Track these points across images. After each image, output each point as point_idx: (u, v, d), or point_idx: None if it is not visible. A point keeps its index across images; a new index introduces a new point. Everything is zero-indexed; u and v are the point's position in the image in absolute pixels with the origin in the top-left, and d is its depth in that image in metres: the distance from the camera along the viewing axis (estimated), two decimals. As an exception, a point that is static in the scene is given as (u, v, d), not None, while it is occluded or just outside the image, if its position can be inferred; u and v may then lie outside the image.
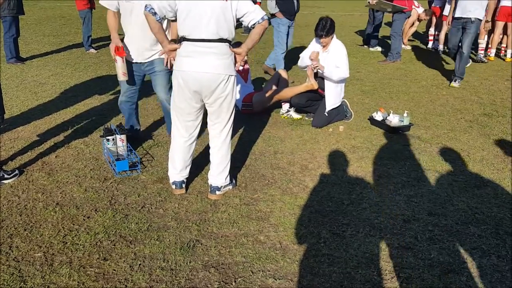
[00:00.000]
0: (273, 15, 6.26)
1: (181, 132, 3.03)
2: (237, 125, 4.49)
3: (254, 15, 2.81)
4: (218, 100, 2.90)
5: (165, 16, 2.76)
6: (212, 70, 2.79)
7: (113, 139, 3.53)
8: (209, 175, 3.15)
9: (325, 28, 4.39)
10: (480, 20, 5.83)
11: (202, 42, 2.76)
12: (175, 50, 2.87)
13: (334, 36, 4.54)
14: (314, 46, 4.67)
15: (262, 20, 2.82)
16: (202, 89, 2.83)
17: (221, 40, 2.79)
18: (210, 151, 3.13)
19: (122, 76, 3.52)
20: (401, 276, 2.33)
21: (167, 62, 3.09)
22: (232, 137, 4.19)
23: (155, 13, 2.71)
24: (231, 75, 2.88)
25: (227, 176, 3.14)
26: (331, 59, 4.50)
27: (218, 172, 3.10)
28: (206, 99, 2.90)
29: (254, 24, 2.83)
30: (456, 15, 6.03)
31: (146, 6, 2.70)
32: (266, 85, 5.14)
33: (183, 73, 2.81)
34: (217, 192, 3.10)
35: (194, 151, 3.18)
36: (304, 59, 4.65)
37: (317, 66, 4.44)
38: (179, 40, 2.84)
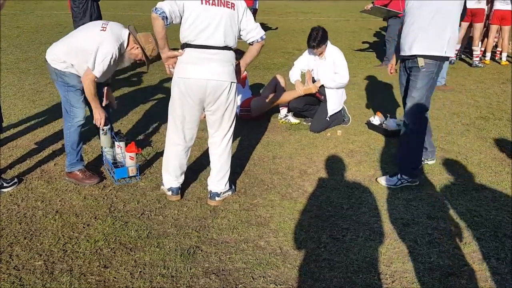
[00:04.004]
0: None
1: (178, 139, 3.01)
2: (236, 130, 4.48)
3: (254, 33, 2.88)
4: (221, 107, 2.90)
5: (172, 21, 2.70)
6: (216, 77, 2.79)
7: (103, 129, 3.47)
8: (209, 181, 3.15)
9: (316, 39, 4.42)
10: (444, 59, 3.16)
11: (207, 49, 2.75)
12: (174, 57, 2.86)
13: (329, 43, 4.57)
14: (307, 57, 4.75)
15: (261, 39, 2.89)
16: (206, 96, 2.83)
17: (226, 47, 2.80)
18: (211, 158, 3.13)
19: (135, 171, 3.42)
20: (402, 280, 2.33)
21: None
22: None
23: (165, 17, 2.63)
24: (234, 83, 2.89)
25: (227, 182, 3.14)
26: (329, 66, 4.55)
27: (218, 178, 3.10)
28: (209, 106, 2.90)
29: (252, 42, 2.90)
30: (401, 53, 3.33)
31: (156, 9, 2.61)
32: (264, 90, 5.16)
33: (186, 80, 2.79)
34: (217, 198, 3.10)
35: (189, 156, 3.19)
36: (294, 73, 4.76)
37: (313, 90, 4.58)
38: (181, 46, 2.82)
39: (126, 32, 3.19)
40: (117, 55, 3.10)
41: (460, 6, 3.10)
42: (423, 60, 3.12)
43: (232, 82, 2.87)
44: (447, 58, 3.19)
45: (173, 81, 2.89)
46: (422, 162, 3.59)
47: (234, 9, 2.79)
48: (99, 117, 3.26)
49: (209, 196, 3.13)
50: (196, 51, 2.76)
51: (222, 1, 2.75)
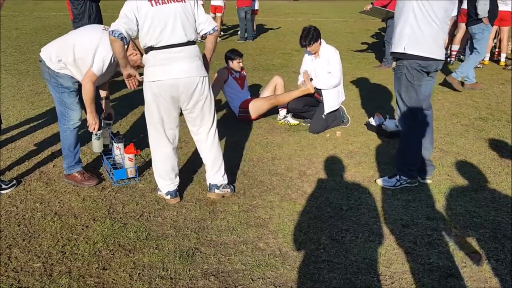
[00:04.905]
0: (477, 20, 5.85)
1: (164, 143, 3.01)
2: (235, 132, 4.50)
3: (205, 25, 2.92)
4: (198, 103, 2.93)
5: (131, 37, 2.75)
6: (186, 74, 2.82)
7: (96, 134, 3.44)
8: (206, 176, 3.18)
9: (307, 38, 4.47)
10: (413, 58, 3.06)
11: (171, 48, 2.78)
12: (134, 76, 2.90)
13: (324, 42, 4.59)
14: (306, 58, 4.79)
15: (213, 31, 2.94)
16: (180, 95, 2.85)
17: (189, 42, 2.83)
18: (201, 155, 3.16)
19: (134, 172, 3.39)
20: (401, 281, 2.33)
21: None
22: (228, 143, 4.21)
23: (123, 38, 2.67)
24: (205, 76, 2.92)
25: (224, 174, 3.17)
26: (323, 64, 4.57)
27: (214, 172, 3.14)
28: (185, 105, 2.92)
29: (205, 33, 2.94)
30: None
31: (113, 31, 2.65)
32: (262, 91, 5.16)
33: (157, 83, 2.81)
34: (216, 191, 3.13)
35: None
36: (300, 78, 4.85)
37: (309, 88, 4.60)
38: (145, 51, 2.84)
39: None
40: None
41: (418, 5, 2.96)
42: (395, 62, 3.24)
43: (203, 77, 2.89)
44: (420, 58, 3.03)
45: (144, 87, 2.90)
46: (419, 180, 3.39)
47: (185, 2, 2.81)
48: (93, 122, 3.25)
49: (208, 189, 3.15)
50: (161, 52, 2.78)
51: None
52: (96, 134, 3.38)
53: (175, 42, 2.78)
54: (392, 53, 3.24)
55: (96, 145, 3.46)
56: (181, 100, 2.89)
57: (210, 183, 3.15)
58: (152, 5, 2.72)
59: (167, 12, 2.74)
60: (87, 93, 3.08)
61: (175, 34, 2.77)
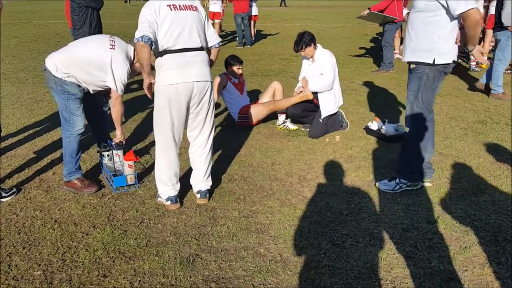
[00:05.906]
0: (502, 27, 5.81)
1: (171, 146, 3.03)
2: (234, 137, 4.50)
3: (212, 38, 3.08)
4: (204, 107, 3.01)
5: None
6: (201, 78, 2.91)
7: (108, 155, 3.53)
8: (196, 182, 3.22)
9: (299, 43, 4.54)
10: (432, 66, 3.02)
11: (187, 52, 2.86)
12: (153, 84, 2.94)
13: (320, 46, 4.61)
14: (304, 62, 4.84)
15: (218, 45, 3.12)
16: (193, 98, 2.92)
17: (201, 48, 2.94)
18: (196, 160, 3.20)
19: (133, 179, 3.40)
20: (402, 286, 2.32)
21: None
22: (228, 148, 4.21)
23: (152, 42, 2.73)
24: (212, 82, 3.05)
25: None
26: (318, 68, 4.59)
27: (206, 177, 3.21)
28: (193, 108, 2.98)
29: (211, 46, 3.09)
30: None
31: (142, 37, 2.69)
32: (261, 96, 5.17)
33: (174, 86, 2.84)
34: (208, 195, 3.21)
35: None
36: (299, 85, 4.86)
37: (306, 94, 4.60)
38: (160, 54, 2.87)
39: (131, 47, 3.27)
40: (129, 70, 3.20)
41: (420, 14, 2.96)
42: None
43: (211, 82, 3.02)
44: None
45: (157, 91, 2.91)
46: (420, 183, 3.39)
47: (198, 11, 2.96)
48: (121, 137, 3.44)
49: (199, 196, 3.19)
50: (178, 55, 2.85)
51: (187, 5, 2.90)
52: (108, 155, 3.53)
53: (191, 46, 2.87)
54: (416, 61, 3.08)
55: (111, 166, 3.56)
56: (192, 103, 2.95)
57: (201, 190, 3.20)
58: (171, 10, 2.82)
59: (185, 17, 2.85)
60: (117, 113, 3.25)
61: (192, 39, 2.87)
